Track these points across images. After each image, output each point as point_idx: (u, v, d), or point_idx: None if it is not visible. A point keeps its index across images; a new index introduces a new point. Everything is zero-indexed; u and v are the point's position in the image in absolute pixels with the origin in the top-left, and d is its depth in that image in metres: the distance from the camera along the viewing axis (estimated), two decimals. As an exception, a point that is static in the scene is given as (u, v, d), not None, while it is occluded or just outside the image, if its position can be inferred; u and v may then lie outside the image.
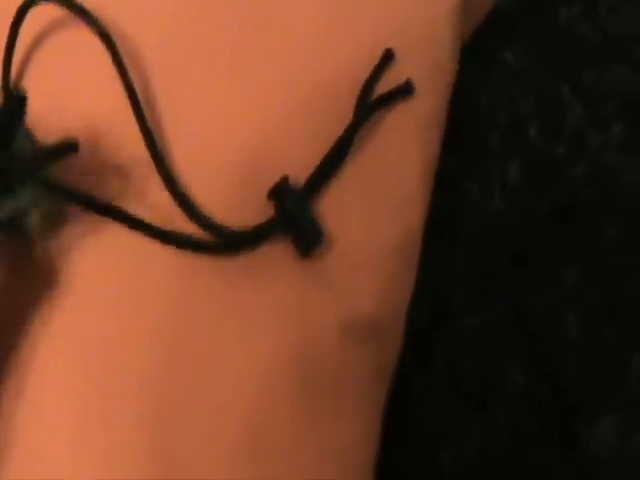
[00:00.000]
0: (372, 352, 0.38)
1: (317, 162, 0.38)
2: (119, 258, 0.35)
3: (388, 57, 0.39)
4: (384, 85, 0.40)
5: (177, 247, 0.34)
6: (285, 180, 0.36)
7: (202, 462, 0.33)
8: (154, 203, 0.35)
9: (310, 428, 0.36)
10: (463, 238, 0.48)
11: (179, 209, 0.36)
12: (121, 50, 0.37)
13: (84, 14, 0.37)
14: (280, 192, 0.36)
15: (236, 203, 0.36)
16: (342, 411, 0.37)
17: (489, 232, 0.48)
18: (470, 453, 0.43)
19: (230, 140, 0.37)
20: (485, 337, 0.46)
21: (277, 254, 0.36)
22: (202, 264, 0.35)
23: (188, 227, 0.36)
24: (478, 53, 0.51)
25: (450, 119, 0.45)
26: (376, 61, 0.40)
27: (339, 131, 0.38)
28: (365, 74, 0.39)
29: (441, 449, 0.43)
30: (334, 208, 0.37)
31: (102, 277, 0.34)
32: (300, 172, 0.37)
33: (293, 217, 0.36)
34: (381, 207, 0.39)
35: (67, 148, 0.31)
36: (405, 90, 0.40)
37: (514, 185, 0.50)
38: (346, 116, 0.39)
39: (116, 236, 0.34)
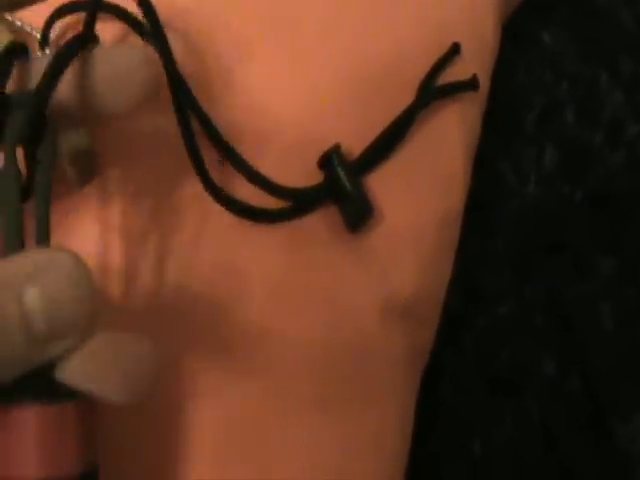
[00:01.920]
0: (409, 335, 0.36)
1: (371, 138, 0.36)
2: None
3: (455, 50, 0.38)
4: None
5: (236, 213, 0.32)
6: (337, 148, 0.35)
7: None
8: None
9: (343, 409, 0.34)
10: (497, 222, 0.47)
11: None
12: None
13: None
14: (331, 160, 0.34)
15: (286, 170, 0.34)
16: (377, 393, 0.35)
17: (524, 217, 0.47)
18: (501, 443, 0.42)
19: (286, 106, 0.35)
20: (518, 324, 0.44)
21: (322, 226, 0.34)
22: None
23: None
24: (515, 34, 0.50)
25: (487, 99, 0.44)
26: (435, 49, 0.39)
27: (396, 112, 0.37)
28: (424, 61, 0.39)
29: (472, 438, 0.42)
30: (381, 185, 0.36)
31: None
32: (354, 145, 0.35)
33: (342, 187, 0.34)
34: (426, 187, 0.37)
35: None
36: (470, 85, 0.38)
37: (549, 170, 0.48)
38: (406, 99, 0.38)
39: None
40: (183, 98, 0.32)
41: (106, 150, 0.33)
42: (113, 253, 0.32)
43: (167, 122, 0.32)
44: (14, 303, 0.22)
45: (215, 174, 0.33)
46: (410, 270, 0.36)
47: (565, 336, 0.45)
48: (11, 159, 0.25)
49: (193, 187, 0.33)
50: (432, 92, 0.38)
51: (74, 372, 0.24)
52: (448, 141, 0.38)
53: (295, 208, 0.34)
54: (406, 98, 0.38)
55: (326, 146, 0.35)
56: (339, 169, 0.34)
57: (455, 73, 0.40)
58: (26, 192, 0.26)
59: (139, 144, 0.34)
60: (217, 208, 0.33)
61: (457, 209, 0.39)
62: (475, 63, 0.40)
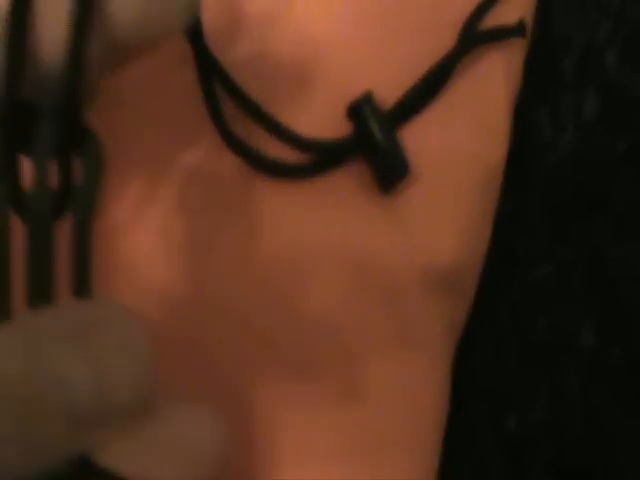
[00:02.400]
0: (448, 307, 0.33)
1: (407, 86, 0.32)
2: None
3: None
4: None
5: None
6: (369, 96, 0.30)
7: None
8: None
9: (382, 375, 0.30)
10: (533, 177, 0.43)
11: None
12: None
13: None
14: (361, 109, 0.30)
15: (311, 122, 0.30)
16: (415, 362, 0.32)
17: (562, 171, 0.43)
18: (537, 418, 0.39)
19: (316, 51, 0.31)
20: (555, 289, 0.41)
21: (350, 184, 0.30)
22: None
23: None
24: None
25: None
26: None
27: (436, 57, 0.33)
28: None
29: (506, 412, 0.38)
30: (417, 139, 0.32)
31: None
32: (388, 93, 0.31)
33: (374, 140, 0.30)
34: (466, 141, 0.33)
35: None
36: (517, 30, 0.34)
37: (590, 119, 0.44)
38: (446, 44, 0.34)
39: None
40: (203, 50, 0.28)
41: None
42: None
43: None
44: (54, 383, 0.17)
45: (235, 129, 0.29)
46: (449, 235, 0.32)
47: (606, 302, 0.41)
48: (41, 178, 0.20)
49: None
50: (476, 37, 0.34)
51: (119, 459, 0.19)
52: (490, 90, 0.35)
53: (320, 162, 0.30)
54: (446, 42, 0.34)
55: (356, 94, 0.31)
56: (371, 120, 0.30)
57: (499, 15, 0.36)
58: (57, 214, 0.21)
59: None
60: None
61: (499, 164, 0.35)
62: (521, 4, 0.36)
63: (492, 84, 0.35)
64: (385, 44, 0.33)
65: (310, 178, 0.31)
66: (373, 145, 0.31)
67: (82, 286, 0.20)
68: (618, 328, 0.40)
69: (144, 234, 0.29)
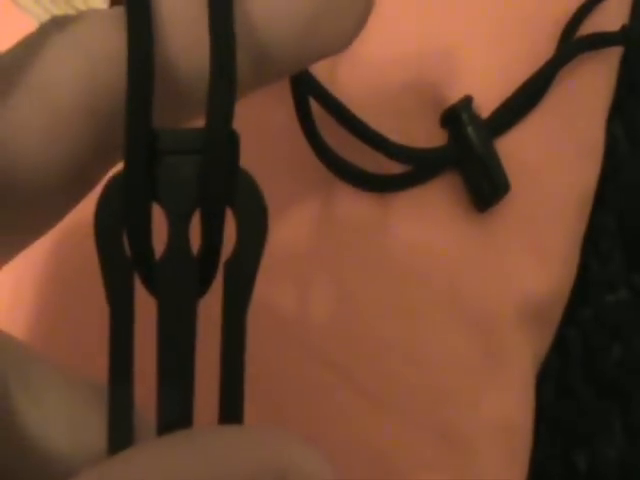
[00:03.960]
0: (537, 339, 0.30)
1: (506, 94, 0.29)
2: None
3: None
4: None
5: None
6: (467, 102, 0.27)
7: None
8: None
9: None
10: (607, 196, 0.40)
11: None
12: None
13: None
14: (459, 116, 0.27)
15: (410, 131, 0.27)
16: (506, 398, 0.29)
17: (638, 189, 0.40)
18: (610, 457, 0.36)
19: (408, 60, 0.28)
20: (629, 315, 0.38)
21: (444, 199, 0.27)
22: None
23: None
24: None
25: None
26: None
27: (535, 64, 0.30)
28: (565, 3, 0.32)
29: (577, 449, 0.36)
30: (515, 152, 0.29)
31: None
32: (485, 102, 0.28)
33: (473, 151, 0.27)
34: (565, 157, 0.31)
35: None
36: (619, 37, 0.32)
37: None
38: (545, 50, 0.31)
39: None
40: None
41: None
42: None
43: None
44: None
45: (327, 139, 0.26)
46: (546, 260, 0.29)
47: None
48: (179, 238, 0.15)
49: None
50: (576, 44, 0.31)
51: None
52: (589, 101, 0.32)
53: (411, 174, 0.27)
54: (545, 48, 0.31)
55: (451, 101, 0.28)
56: (470, 128, 0.27)
57: (597, 21, 0.33)
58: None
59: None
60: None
61: (594, 183, 0.32)
62: (620, 7, 0.33)
63: (590, 95, 0.32)
64: (482, 50, 0.30)
65: (400, 190, 0.27)
66: (471, 157, 0.28)
67: (231, 407, 0.15)
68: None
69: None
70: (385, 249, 0.28)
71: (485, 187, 0.28)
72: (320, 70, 0.27)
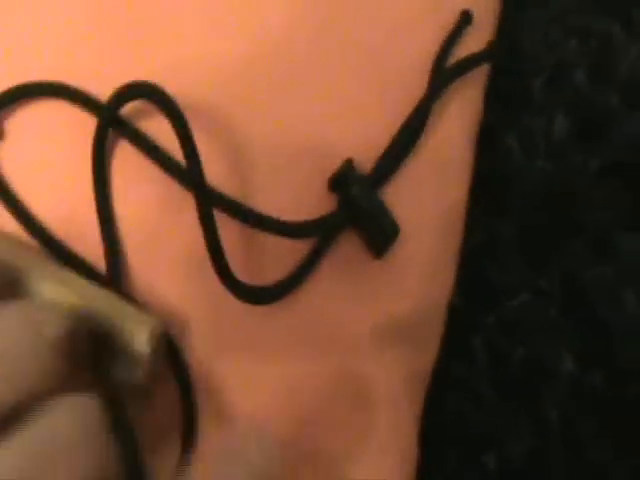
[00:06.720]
0: (407, 357, 0.32)
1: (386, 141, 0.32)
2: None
3: (466, 20, 0.33)
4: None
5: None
6: (349, 164, 0.30)
7: None
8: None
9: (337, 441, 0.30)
10: (505, 205, 0.42)
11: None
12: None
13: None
14: (343, 179, 0.30)
15: (298, 195, 0.30)
16: (373, 426, 0.31)
17: (534, 196, 0.42)
18: (518, 455, 0.38)
19: (293, 138, 0.31)
20: (531, 319, 0.40)
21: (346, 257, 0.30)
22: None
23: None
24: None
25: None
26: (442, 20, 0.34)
27: (409, 103, 0.33)
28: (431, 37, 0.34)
29: (486, 452, 0.38)
30: (396, 195, 0.31)
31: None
32: (370, 155, 0.31)
33: (361, 208, 0.29)
34: (433, 185, 0.33)
35: None
36: (486, 55, 0.34)
37: (561, 140, 0.44)
38: (417, 86, 0.34)
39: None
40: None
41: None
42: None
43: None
44: None
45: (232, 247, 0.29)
46: (408, 286, 0.31)
47: (585, 327, 0.41)
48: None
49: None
50: (446, 73, 0.33)
51: None
52: (455, 127, 0.34)
53: (314, 252, 0.30)
54: (420, 85, 0.33)
55: (336, 164, 0.31)
56: (354, 188, 0.30)
57: (465, 47, 0.35)
58: None
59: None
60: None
61: (461, 200, 0.35)
62: (484, 27, 0.35)
63: (455, 121, 0.34)
64: (358, 110, 0.32)
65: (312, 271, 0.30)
66: (360, 213, 0.30)
67: None
68: (598, 351, 0.40)
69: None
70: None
71: (377, 236, 0.30)
72: (211, 164, 0.30)
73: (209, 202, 0.28)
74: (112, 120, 0.28)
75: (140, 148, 0.29)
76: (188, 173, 0.27)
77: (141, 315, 0.28)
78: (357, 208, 0.30)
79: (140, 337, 0.27)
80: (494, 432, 0.38)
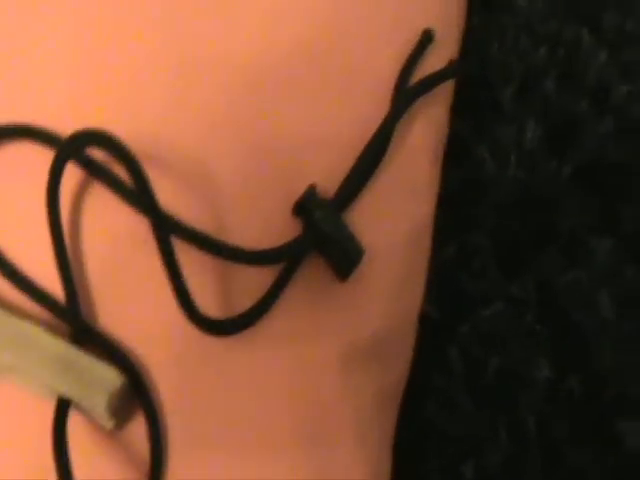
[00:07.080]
0: (376, 375, 0.33)
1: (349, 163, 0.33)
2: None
3: (428, 38, 0.34)
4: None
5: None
6: (312, 189, 0.31)
7: None
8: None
9: (306, 463, 0.31)
10: (477, 216, 0.43)
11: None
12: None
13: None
14: (306, 204, 0.31)
15: (264, 221, 0.31)
16: (342, 444, 0.32)
17: (507, 206, 0.43)
18: (495, 462, 0.38)
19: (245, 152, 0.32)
20: (507, 327, 0.41)
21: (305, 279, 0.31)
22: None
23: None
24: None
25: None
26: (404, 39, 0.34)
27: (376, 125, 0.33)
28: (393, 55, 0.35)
29: (464, 460, 0.38)
30: (361, 217, 0.32)
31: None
32: (336, 177, 0.32)
33: (324, 233, 0.30)
34: (398, 203, 0.34)
35: None
36: (450, 72, 0.34)
37: (532, 149, 0.44)
38: (384, 106, 0.34)
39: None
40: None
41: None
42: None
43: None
44: None
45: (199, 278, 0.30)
46: (375, 305, 0.32)
47: (560, 333, 0.41)
48: None
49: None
50: (409, 92, 0.33)
51: None
52: (419, 144, 0.35)
53: (280, 279, 0.31)
54: (381, 105, 0.34)
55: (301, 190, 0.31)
56: (317, 213, 0.30)
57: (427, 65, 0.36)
58: None
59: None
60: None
61: (426, 215, 0.35)
62: (446, 44, 0.36)
63: (417, 139, 0.35)
64: (317, 131, 0.33)
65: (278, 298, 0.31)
66: (324, 237, 0.31)
67: None
68: (573, 357, 0.40)
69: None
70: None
71: (342, 260, 0.31)
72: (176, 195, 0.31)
73: (164, 227, 0.29)
74: (68, 156, 0.29)
75: (99, 179, 0.30)
76: (140, 197, 0.28)
77: (95, 381, 0.29)
78: (321, 233, 0.30)
79: (98, 408, 0.29)
80: (472, 441, 0.38)
